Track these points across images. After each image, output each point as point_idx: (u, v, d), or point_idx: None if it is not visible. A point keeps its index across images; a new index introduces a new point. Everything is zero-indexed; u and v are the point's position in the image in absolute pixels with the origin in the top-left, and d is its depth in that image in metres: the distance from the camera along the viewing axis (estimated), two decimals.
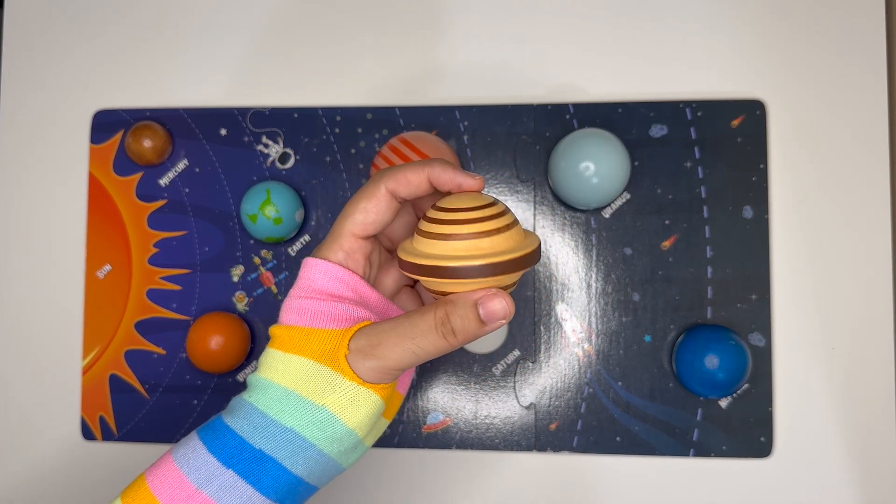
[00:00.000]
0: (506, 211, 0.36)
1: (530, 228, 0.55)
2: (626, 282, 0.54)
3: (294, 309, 0.38)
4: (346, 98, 0.57)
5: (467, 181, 0.37)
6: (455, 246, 0.35)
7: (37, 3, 0.60)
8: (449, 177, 0.37)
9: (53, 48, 0.59)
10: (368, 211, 0.38)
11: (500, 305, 0.36)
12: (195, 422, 0.55)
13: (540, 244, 0.36)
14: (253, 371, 0.39)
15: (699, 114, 0.54)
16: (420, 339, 0.36)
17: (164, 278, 0.57)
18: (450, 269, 0.34)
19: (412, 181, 0.38)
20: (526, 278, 0.54)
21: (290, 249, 0.56)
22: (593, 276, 0.54)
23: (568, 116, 0.55)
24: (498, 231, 0.35)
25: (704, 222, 0.53)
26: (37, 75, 0.59)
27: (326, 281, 0.38)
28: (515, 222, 0.37)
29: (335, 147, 0.56)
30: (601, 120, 0.55)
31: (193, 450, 0.37)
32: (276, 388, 0.37)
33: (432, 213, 0.36)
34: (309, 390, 0.36)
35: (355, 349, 0.37)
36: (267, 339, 0.55)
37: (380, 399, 0.37)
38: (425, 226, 0.36)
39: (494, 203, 0.36)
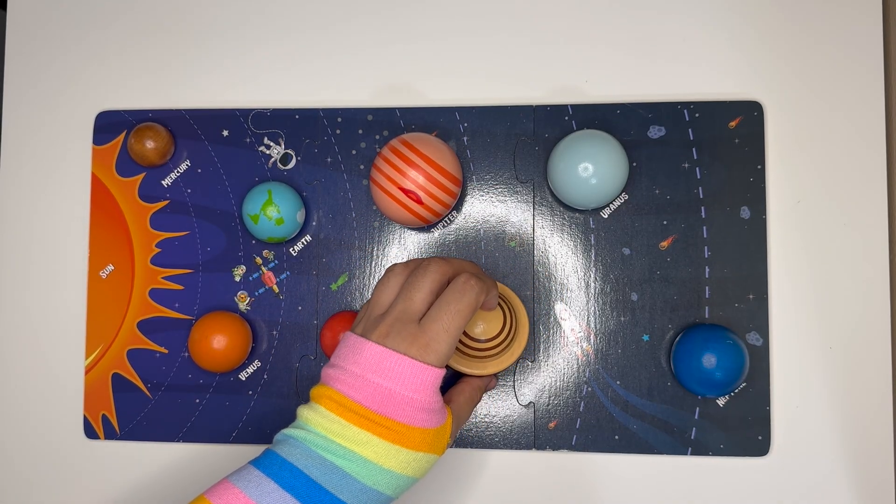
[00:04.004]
0: (508, 333, 0.49)
1: (529, 230, 0.55)
2: (624, 281, 0.54)
3: (406, 407, 0.41)
4: (347, 99, 0.57)
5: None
6: (470, 363, 0.49)
7: (39, 5, 0.60)
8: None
9: (56, 49, 0.60)
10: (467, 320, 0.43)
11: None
12: (197, 421, 0.56)
13: (525, 347, 0.51)
14: (342, 440, 0.41)
15: (697, 115, 0.54)
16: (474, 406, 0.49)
17: (166, 278, 0.57)
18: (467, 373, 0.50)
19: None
20: (525, 278, 0.55)
21: (291, 250, 0.56)
22: (592, 275, 0.54)
23: (567, 117, 0.55)
24: (501, 353, 0.50)
25: (702, 222, 0.54)
26: (39, 77, 0.60)
27: (436, 384, 0.42)
28: (511, 336, 0.49)
29: (336, 148, 0.57)
30: (600, 121, 0.55)
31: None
32: (381, 472, 0.41)
33: (465, 340, 0.49)
34: (411, 471, 0.42)
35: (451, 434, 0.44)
36: (269, 339, 0.56)
37: None
38: (462, 348, 0.49)
39: (498, 334, 0.48)
